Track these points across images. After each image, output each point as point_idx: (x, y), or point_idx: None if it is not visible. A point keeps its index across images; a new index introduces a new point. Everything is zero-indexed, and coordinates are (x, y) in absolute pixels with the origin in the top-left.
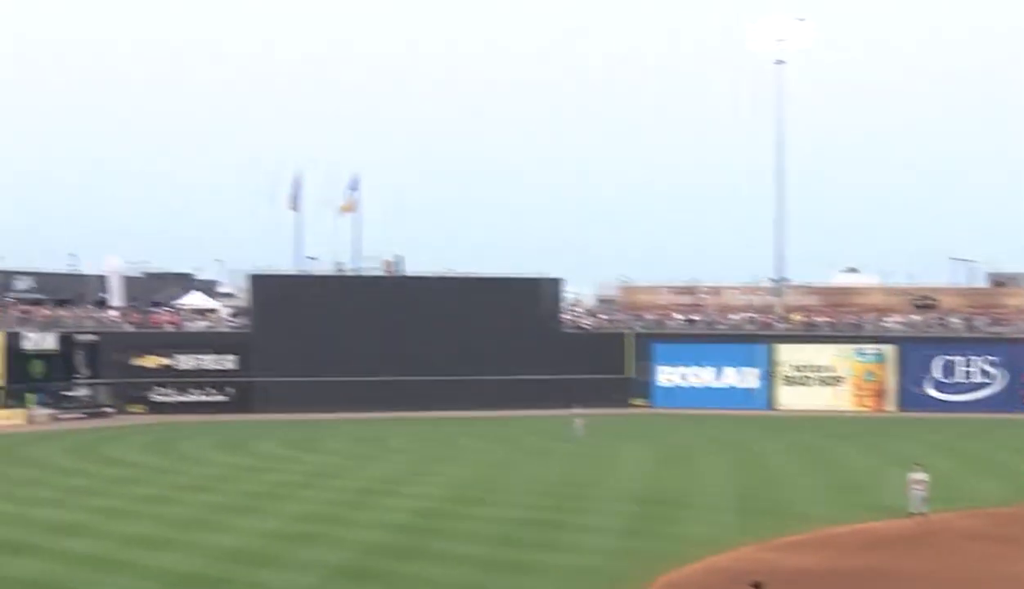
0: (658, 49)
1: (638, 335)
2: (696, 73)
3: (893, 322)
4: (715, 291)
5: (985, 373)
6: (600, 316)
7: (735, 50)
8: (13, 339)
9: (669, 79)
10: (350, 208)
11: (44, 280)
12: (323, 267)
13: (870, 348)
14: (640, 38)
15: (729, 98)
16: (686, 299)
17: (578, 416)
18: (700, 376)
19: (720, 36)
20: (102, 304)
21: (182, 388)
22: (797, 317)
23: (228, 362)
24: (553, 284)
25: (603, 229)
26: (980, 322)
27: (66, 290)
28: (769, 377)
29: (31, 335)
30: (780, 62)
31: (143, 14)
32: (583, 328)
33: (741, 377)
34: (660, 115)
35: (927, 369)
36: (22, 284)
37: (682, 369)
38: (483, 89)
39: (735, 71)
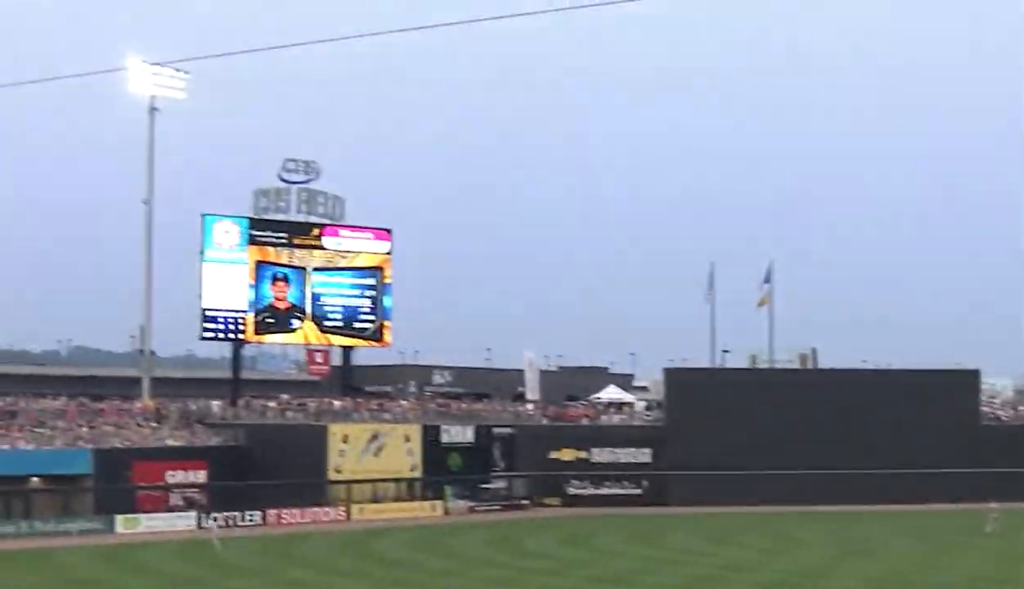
0: None
1: None
2: None
3: None
4: None
5: None
6: (1020, 408)
7: None
8: (431, 432)
9: None
10: (766, 301)
11: (462, 374)
12: (738, 360)
13: None
14: None
15: None
16: None
17: (994, 511)
18: None
19: None
20: (519, 398)
21: (597, 481)
22: None
23: (643, 455)
24: (970, 376)
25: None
26: None
27: (483, 384)
28: None
29: (449, 428)
30: None
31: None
32: (1002, 420)
33: None
34: None
35: None
36: (441, 378)
37: None
38: (897, 192)
39: None
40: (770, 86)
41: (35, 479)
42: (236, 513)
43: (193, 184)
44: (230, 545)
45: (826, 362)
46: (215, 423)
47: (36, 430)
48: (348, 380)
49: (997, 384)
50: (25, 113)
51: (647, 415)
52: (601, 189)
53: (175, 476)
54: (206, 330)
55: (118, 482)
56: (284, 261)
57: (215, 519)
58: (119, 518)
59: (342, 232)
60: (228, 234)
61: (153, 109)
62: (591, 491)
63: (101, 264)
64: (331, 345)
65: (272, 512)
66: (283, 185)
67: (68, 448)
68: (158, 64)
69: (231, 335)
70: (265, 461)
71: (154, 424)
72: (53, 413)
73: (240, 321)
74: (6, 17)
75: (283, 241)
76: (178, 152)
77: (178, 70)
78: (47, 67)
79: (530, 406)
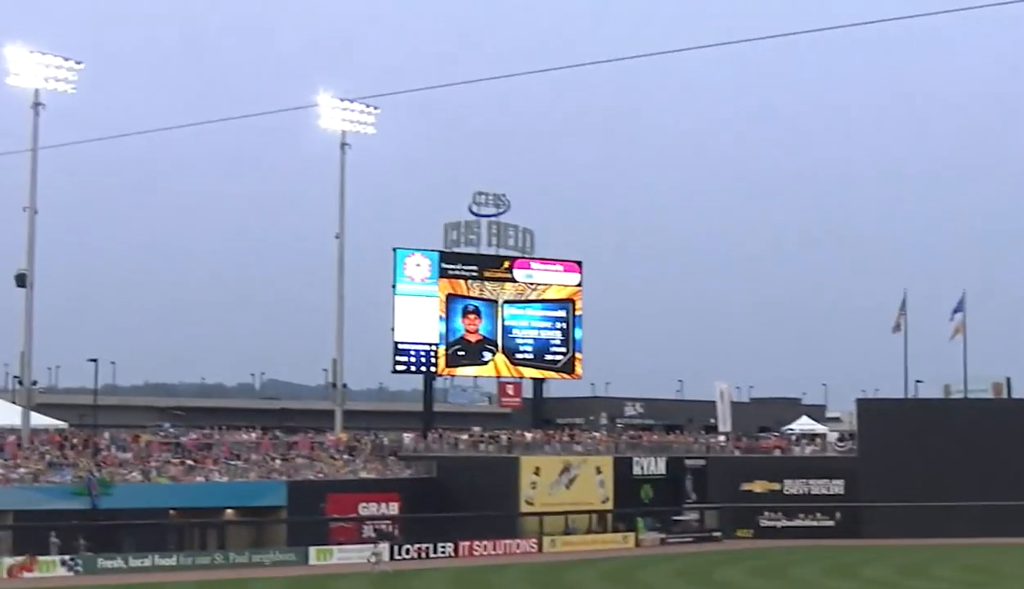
0: None
1: None
2: None
3: None
4: None
5: None
6: None
7: None
8: (623, 464)
9: None
10: (958, 331)
11: (653, 406)
12: (931, 391)
13: None
14: None
15: None
16: None
17: None
18: None
19: None
20: (711, 429)
21: (790, 513)
22: None
23: (836, 487)
24: None
25: None
26: None
27: (675, 415)
28: None
29: (641, 460)
30: None
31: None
32: None
33: None
34: None
35: None
36: (632, 410)
37: None
38: None
39: None
40: (973, 109)
41: (229, 511)
42: (428, 545)
43: (384, 218)
44: (421, 577)
45: (1021, 391)
46: (407, 455)
47: (231, 463)
48: (539, 412)
49: None
50: (218, 151)
51: (840, 446)
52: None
53: (368, 508)
54: (398, 363)
55: (312, 514)
56: (475, 294)
57: (378, 549)
58: (313, 550)
59: (533, 265)
60: (419, 267)
61: (344, 144)
62: (784, 523)
63: (294, 298)
64: (522, 377)
65: (464, 544)
66: (473, 218)
67: (263, 480)
68: (348, 100)
69: (423, 368)
70: (457, 493)
71: (347, 456)
72: (247, 446)
73: (432, 354)
74: (195, 56)
75: (474, 274)
76: (368, 186)
77: (368, 106)
78: (238, 105)
79: (722, 437)
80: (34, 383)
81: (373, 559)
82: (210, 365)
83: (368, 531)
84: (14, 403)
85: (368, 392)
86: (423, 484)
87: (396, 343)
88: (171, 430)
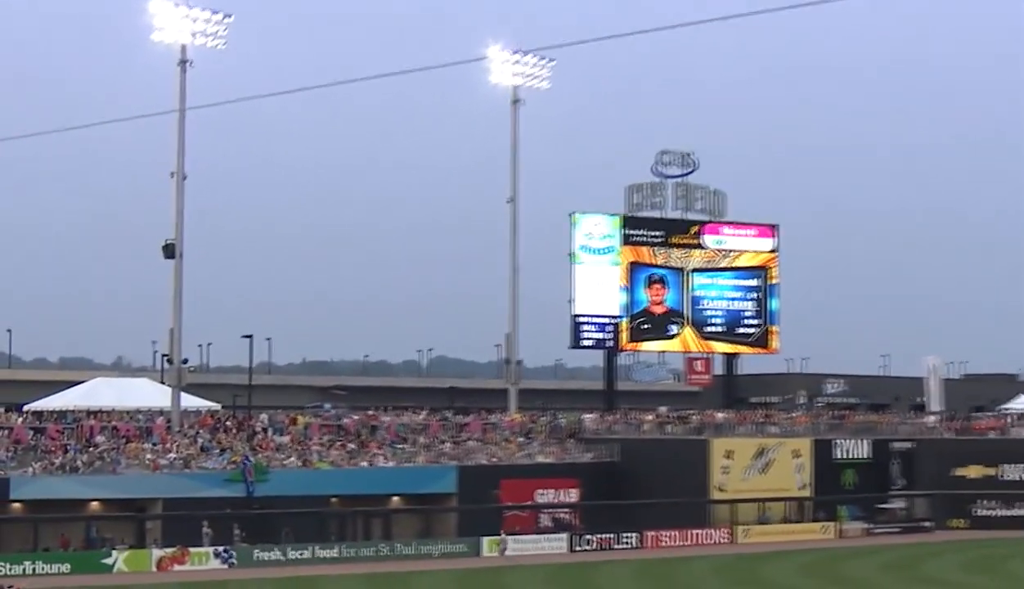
0: None
1: None
2: None
3: None
4: None
5: None
6: None
7: None
8: (823, 447)
9: None
10: None
11: (856, 383)
12: None
13: None
14: None
15: None
16: None
17: None
18: None
19: None
20: (919, 409)
21: (1008, 501)
22: None
23: None
24: None
25: None
26: None
27: (880, 393)
28: None
29: (842, 442)
30: None
31: None
32: None
33: None
34: None
35: None
36: (833, 388)
37: None
38: None
39: None
40: None
41: (395, 499)
42: (610, 535)
43: (560, 181)
44: (602, 570)
45: None
46: (588, 438)
47: (396, 446)
48: (731, 390)
49: None
50: (376, 112)
51: None
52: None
53: (545, 495)
54: (577, 338)
55: (484, 502)
56: (660, 262)
57: (503, 539)
58: (486, 540)
59: (724, 229)
60: (600, 234)
61: (516, 101)
62: (1001, 512)
63: (464, 269)
64: (712, 352)
65: (649, 534)
66: (658, 180)
67: (431, 465)
68: (520, 52)
69: (604, 343)
70: (642, 478)
71: (522, 439)
72: (414, 428)
73: (614, 327)
74: (352, 8)
75: (659, 240)
76: (543, 146)
77: (542, 58)
78: (400, 60)
79: (932, 418)
80: (184, 362)
81: (500, 548)
82: (373, 341)
83: (546, 520)
84: (163, 383)
85: (544, 369)
86: (605, 469)
87: (575, 316)
88: (332, 411)
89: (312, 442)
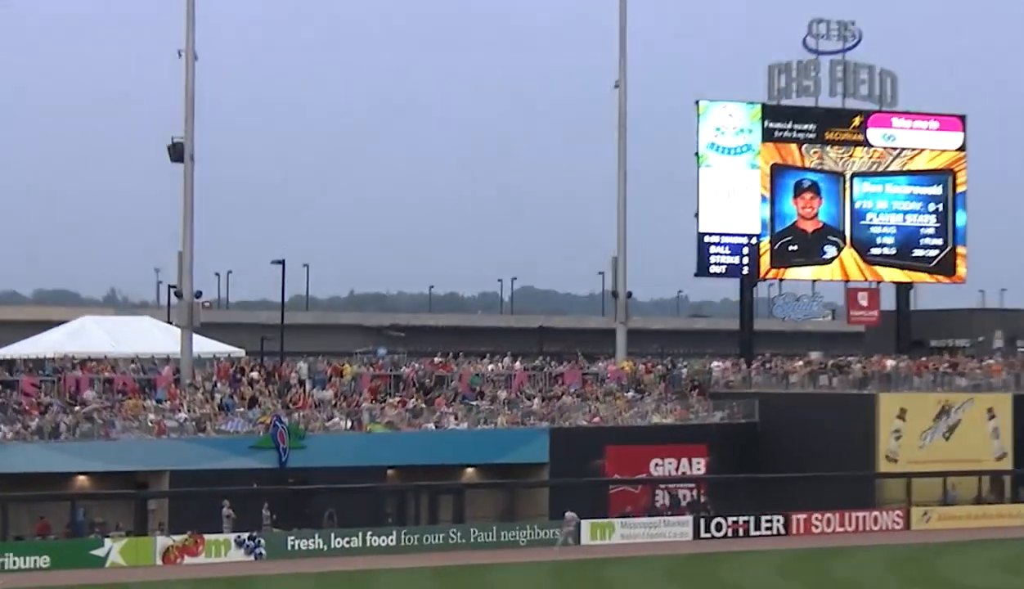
0: None
1: None
2: None
3: None
4: None
5: None
6: None
7: None
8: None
9: None
10: None
11: None
12: None
13: None
14: None
15: None
16: None
17: None
18: None
19: None
20: None
21: None
22: None
23: None
24: None
25: None
26: None
27: None
28: None
29: None
30: None
31: None
32: None
33: None
34: None
35: None
36: None
37: None
38: None
39: None
40: None
41: (470, 470)
42: (748, 518)
43: (683, 61)
44: (737, 564)
45: None
46: (718, 392)
47: (471, 404)
48: (905, 331)
49: None
50: None
51: None
52: None
53: (662, 466)
54: (704, 263)
55: (584, 475)
56: (812, 165)
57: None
58: (586, 524)
59: (895, 121)
60: (734, 128)
61: None
62: None
63: (557, 173)
64: (881, 281)
65: (798, 517)
66: (809, 56)
67: (515, 428)
68: None
69: (739, 269)
70: (788, 445)
71: (633, 394)
72: (494, 380)
73: (751, 249)
74: None
75: (810, 136)
76: (661, 16)
77: None
78: None
79: None
80: (198, 295)
81: (562, 542)
82: (441, 269)
83: (663, 498)
84: (170, 323)
85: (661, 304)
86: (740, 432)
87: (701, 235)
88: (388, 358)
89: (362, 398)
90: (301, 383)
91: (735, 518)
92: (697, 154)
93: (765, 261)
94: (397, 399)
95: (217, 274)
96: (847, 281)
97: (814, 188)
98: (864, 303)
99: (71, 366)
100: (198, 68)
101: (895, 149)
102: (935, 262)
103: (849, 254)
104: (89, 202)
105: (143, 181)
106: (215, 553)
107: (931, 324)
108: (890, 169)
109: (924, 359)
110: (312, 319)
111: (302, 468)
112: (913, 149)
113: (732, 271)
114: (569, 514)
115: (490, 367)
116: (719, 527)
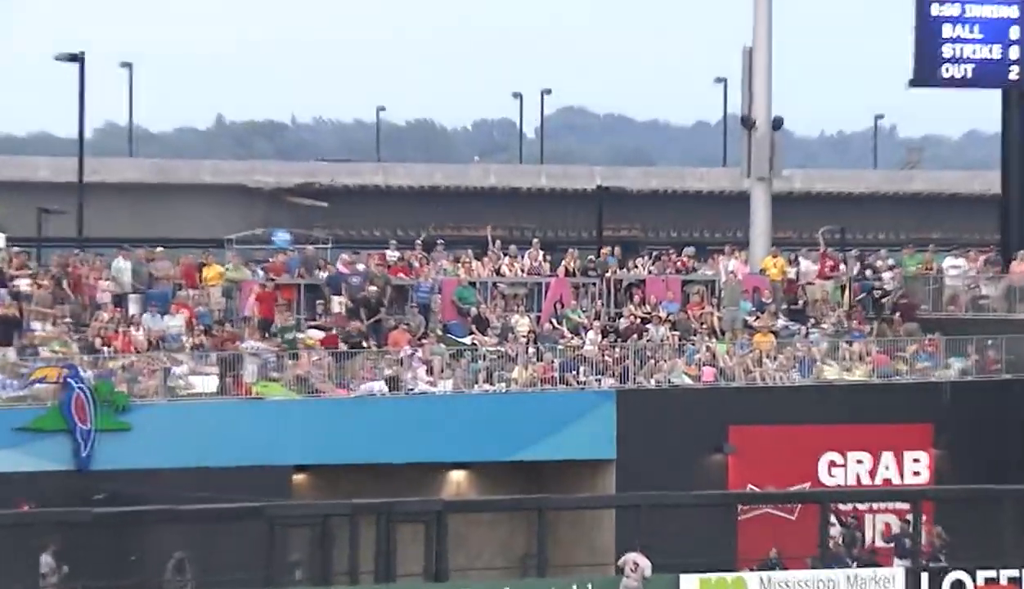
0: None
1: None
2: None
3: None
4: None
5: None
6: None
7: None
8: None
9: None
10: None
11: None
12: None
13: None
14: None
15: None
16: None
17: None
18: None
19: None
20: None
21: None
22: None
23: None
24: None
25: None
26: None
27: None
28: None
29: None
30: None
31: None
32: None
33: None
34: None
35: None
36: None
37: None
38: None
39: None
40: None
41: (458, 474)
42: (1018, 572)
43: None
44: None
45: None
46: (955, 320)
47: (459, 341)
48: None
49: None
50: None
51: None
52: None
53: (844, 468)
54: (930, 61)
55: (682, 482)
56: None
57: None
58: (688, 582)
59: None
60: None
61: None
62: None
63: None
64: None
65: None
66: None
67: (548, 390)
68: None
69: (1002, 71)
70: None
71: (783, 323)
72: (505, 294)
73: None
74: None
75: None
76: None
77: None
78: None
79: None
80: None
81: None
82: (400, 78)
83: (847, 531)
84: None
85: (838, 144)
86: (999, 401)
87: (924, 7)
88: (297, 252)
89: (246, 332)
90: (119, 301)
91: (992, 571)
92: None
93: None
94: (315, 333)
95: None
96: None
97: None
98: None
99: None
100: None
101: None
102: None
103: None
104: None
105: None
106: None
107: None
108: None
109: None
110: (141, 174)
111: (123, 472)
112: None
113: (984, 75)
114: (633, 557)
115: (499, 268)
116: (959, 587)
